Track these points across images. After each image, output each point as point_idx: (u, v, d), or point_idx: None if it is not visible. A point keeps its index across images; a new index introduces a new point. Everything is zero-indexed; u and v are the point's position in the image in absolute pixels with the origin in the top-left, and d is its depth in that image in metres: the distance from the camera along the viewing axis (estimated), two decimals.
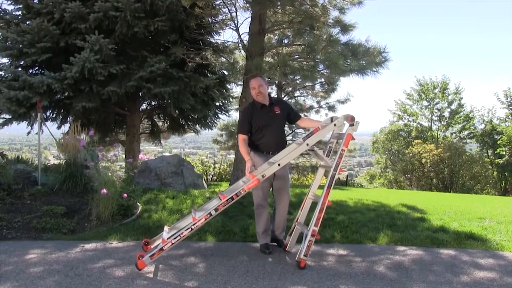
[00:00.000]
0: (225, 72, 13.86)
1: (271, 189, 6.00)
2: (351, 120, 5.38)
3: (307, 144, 5.38)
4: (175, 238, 5.06)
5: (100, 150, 9.72)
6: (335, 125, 5.46)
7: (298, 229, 5.91)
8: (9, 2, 12.65)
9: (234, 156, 13.65)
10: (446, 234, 6.97)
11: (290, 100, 24.66)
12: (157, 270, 5.07)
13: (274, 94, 24.38)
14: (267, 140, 5.77)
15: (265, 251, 5.79)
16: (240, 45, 12.18)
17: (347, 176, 31.62)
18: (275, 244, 6.15)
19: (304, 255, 5.17)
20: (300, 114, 6.15)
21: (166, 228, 5.63)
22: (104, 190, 7.19)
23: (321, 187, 5.83)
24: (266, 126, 5.73)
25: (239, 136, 5.85)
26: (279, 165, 5.35)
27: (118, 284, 4.57)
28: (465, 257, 5.84)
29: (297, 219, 5.98)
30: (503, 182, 33.92)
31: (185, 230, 5.10)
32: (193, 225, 5.10)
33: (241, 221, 7.49)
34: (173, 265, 5.25)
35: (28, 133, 13.90)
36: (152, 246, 5.54)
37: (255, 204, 5.96)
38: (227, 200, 5.17)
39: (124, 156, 14.49)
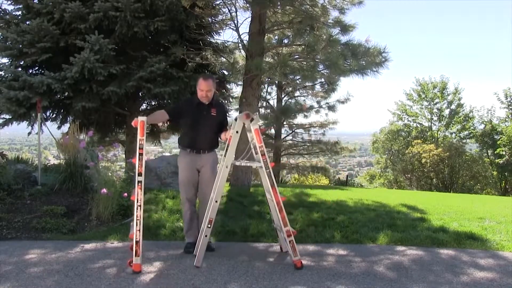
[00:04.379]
0: (225, 72, 13.87)
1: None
2: (246, 117, 5.27)
3: (227, 167, 5.44)
4: (136, 225, 5.02)
5: (100, 150, 9.72)
6: (237, 132, 5.32)
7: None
8: (9, 2, 12.64)
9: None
10: (446, 234, 6.97)
11: (290, 100, 24.71)
12: (157, 270, 5.07)
13: (274, 94, 24.47)
14: (190, 137, 5.78)
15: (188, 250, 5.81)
16: (240, 45, 12.19)
17: (347, 176, 31.66)
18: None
19: (295, 257, 5.17)
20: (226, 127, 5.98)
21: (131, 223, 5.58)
22: (104, 190, 7.20)
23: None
24: (194, 124, 5.72)
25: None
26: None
27: (118, 284, 4.58)
28: (465, 257, 5.85)
29: (273, 221, 5.97)
30: (503, 182, 33.98)
31: (136, 211, 5.06)
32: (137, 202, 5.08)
33: (241, 221, 7.49)
34: (173, 265, 5.25)
35: (29, 133, 13.91)
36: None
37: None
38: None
39: (124, 156, 14.48)
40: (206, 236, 5.21)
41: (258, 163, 5.36)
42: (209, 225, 5.27)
